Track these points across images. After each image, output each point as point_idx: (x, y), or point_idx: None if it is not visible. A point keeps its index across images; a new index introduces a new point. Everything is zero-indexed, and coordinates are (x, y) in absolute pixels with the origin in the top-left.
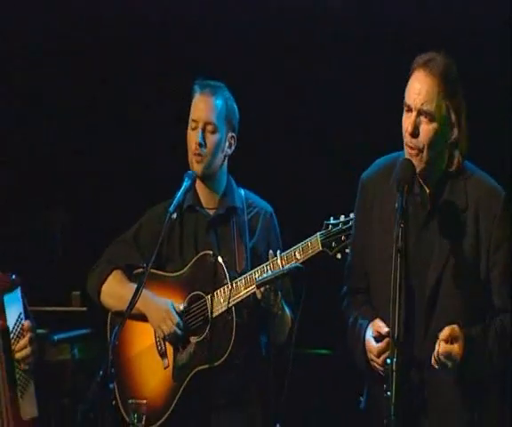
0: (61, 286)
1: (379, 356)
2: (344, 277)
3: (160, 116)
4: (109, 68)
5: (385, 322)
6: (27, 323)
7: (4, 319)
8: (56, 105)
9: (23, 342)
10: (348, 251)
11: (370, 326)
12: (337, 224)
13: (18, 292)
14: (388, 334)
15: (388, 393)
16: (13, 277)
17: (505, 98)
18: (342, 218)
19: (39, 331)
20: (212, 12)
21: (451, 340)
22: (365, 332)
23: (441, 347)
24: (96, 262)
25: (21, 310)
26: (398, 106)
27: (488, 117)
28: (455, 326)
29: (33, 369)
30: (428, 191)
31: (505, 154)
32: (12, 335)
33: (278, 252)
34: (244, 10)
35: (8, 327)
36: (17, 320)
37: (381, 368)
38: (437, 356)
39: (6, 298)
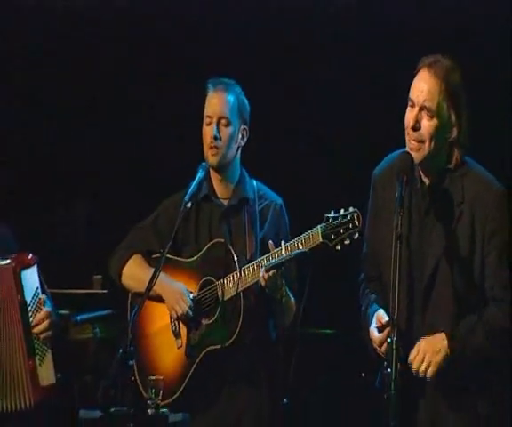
0: (84, 270)
1: (380, 346)
2: (360, 265)
3: (170, 104)
4: (110, 68)
5: (389, 310)
6: (43, 297)
7: (22, 294)
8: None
9: (40, 315)
10: (346, 243)
11: (374, 316)
12: (336, 218)
13: (35, 269)
14: (388, 324)
15: (389, 370)
16: (30, 255)
17: (505, 98)
18: (342, 212)
19: (63, 312)
20: (212, 12)
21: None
22: (371, 321)
23: (414, 365)
24: (117, 247)
25: (38, 285)
26: (399, 105)
27: (488, 117)
28: (422, 340)
29: (50, 340)
30: (427, 184)
31: (505, 154)
32: (29, 309)
33: (282, 242)
34: (243, 10)
35: (26, 301)
36: (34, 295)
37: (385, 356)
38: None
39: (23, 274)
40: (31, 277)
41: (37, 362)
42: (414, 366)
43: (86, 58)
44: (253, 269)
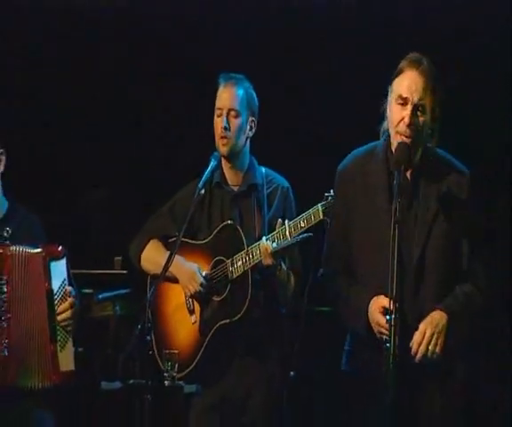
0: (105, 252)
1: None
2: (323, 261)
3: (185, 92)
4: (109, 68)
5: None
6: (69, 288)
7: (49, 283)
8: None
9: (65, 304)
10: None
11: (372, 301)
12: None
13: (63, 261)
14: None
15: (388, 345)
16: (60, 247)
17: (505, 98)
18: None
19: (87, 290)
20: (212, 11)
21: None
22: (367, 306)
23: (419, 353)
24: (137, 233)
25: (65, 276)
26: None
27: (488, 117)
28: (423, 325)
29: (73, 329)
30: (410, 171)
31: (505, 153)
32: (55, 297)
33: (286, 221)
34: (243, 9)
35: (52, 290)
36: (61, 285)
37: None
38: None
39: (52, 265)
40: (59, 268)
41: (58, 348)
42: (422, 349)
43: (86, 58)
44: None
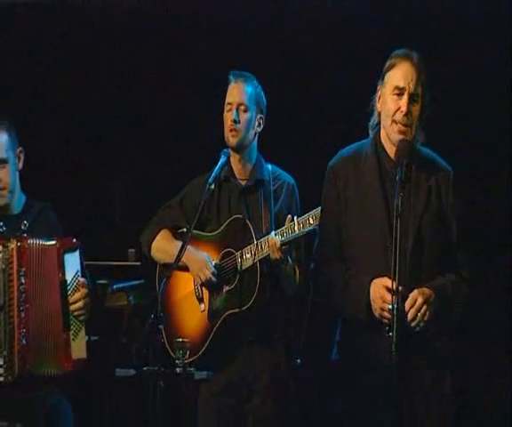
0: (120, 244)
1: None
2: (315, 254)
3: (197, 90)
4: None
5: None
6: (82, 280)
7: (63, 273)
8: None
9: (78, 294)
10: None
11: (374, 282)
12: None
13: (77, 253)
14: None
15: (390, 333)
16: (74, 240)
17: (505, 98)
18: None
19: (102, 281)
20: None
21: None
22: (368, 289)
23: (410, 313)
24: (149, 223)
25: (79, 268)
26: None
27: (488, 117)
28: (417, 291)
29: (85, 319)
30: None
31: (505, 154)
32: (68, 287)
33: (295, 217)
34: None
35: (66, 280)
36: (74, 276)
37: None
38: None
39: (66, 257)
40: (73, 260)
41: (71, 336)
42: (412, 312)
43: (87, 58)
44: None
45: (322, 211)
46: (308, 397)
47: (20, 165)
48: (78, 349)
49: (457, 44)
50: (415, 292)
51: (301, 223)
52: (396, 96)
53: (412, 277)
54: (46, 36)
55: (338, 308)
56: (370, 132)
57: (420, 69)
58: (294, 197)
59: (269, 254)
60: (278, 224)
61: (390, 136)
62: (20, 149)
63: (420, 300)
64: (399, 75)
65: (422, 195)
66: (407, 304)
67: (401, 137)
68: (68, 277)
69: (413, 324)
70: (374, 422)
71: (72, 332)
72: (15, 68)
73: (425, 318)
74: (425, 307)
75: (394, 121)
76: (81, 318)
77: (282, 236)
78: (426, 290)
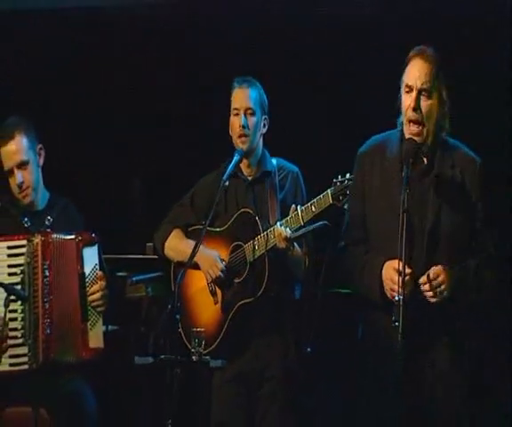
0: (139, 238)
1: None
2: (343, 233)
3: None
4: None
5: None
6: (100, 273)
7: (82, 266)
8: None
9: (96, 286)
10: None
11: (386, 264)
12: (343, 181)
13: (95, 247)
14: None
15: (397, 324)
16: (93, 234)
17: (504, 98)
18: (347, 176)
19: (121, 273)
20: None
21: (433, 277)
22: (381, 269)
23: (426, 286)
24: (161, 223)
25: (97, 261)
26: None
27: (488, 117)
28: (435, 268)
29: (103, 310)
30: (423, 157)
31: (505, 153)
32: (87, 280)
33: (298, 206)
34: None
35: (84, 273)
36: (92, 269)
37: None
38: (428, 292)
39: (85, 250)
40: (91, 254)
41: (89, 326)
42: (427, 288)
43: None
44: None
45: (350, 194)
46: (317, 384)
47: (41, 162)
48: (95, 338)
49: (457, 45)
50: (436, 269)
51: (304, 211)
52: (407, 94)
53: (430, 260)
54: (71, 39)
55: (356, 288)
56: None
57: (433, 64)
58: (299, 184)
59: (276, 244)
60: (284, 212)
61: (405, 134)
62: (40, 146)
63: (440, 278)
64: (409, 72)
65: (444, 183)
66: (422, 278)
67: (409, 136)
68: (87, 269)
69: (428, 296)
70: (384, 405)
71: (90, 322)
72: (38, 70)
73: (438, 298)
74: (441, 288)
75: (407, 120)
76: (98, 309)
77: (287, 226)
78: (448, 271)
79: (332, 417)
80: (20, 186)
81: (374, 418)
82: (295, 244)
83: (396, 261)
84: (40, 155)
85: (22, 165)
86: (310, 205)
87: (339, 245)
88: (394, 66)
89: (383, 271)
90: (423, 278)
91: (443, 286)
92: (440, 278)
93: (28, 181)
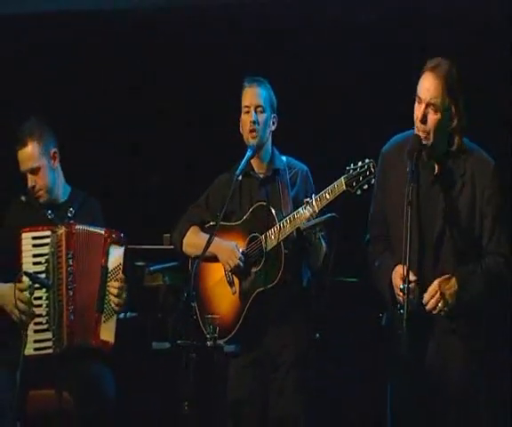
0: (156, 230)
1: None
2: (368, 227)
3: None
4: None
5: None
6: (122, 276)
7: (106, 261)
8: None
9: (116, 283)
10: (365, 188)
11: (395, 268)
12: (356, 168)
13: (122, 249)
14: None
15: (401, 311)
16: (122, 235)
17: (505, 98)
18: (360, 163)
19: (140, 263)
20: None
21: (439, 292)
22: (392, 272)
23: (429, 304)
24: (178, 222)
25: (121, 262)
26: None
27: (488, 117)
28: (437, 282)
29: (118, 310)
30: (434, 163)
31: (505, 153)
32: (108, 275)
33: (313, 195)
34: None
35: (108, 268)
36: (116, 267)
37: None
38: (432, 308)
39: (112, 248)
40: (118, 253)
41: (103, 319)
42: (431, 303)
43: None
44: (290, 221)
45: (373, 191)
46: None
47: (56, 164)
48: (107, 332)
49: (457, 44)
50: (435, 282)
51: (319, 198)
52: (418, 104)
53: (438, 260)
54: (71, 40)
55: (374, 284)
56: None
57: (444, 80)
58: (309, 182)
59: (293, 232)
60: (296, 207)
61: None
62: (55, 150)
63: (438, 291)
64: (421, 84)
65: (457, 180)
66: (428, 293)
67: (416, 133)
68: (110, 266)
69: (434, 312)
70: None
71: (104, 315)
72: (38, 70)
73: (445, 309)
74: (444, 297)
75: (416, 129)
76: (114, 307)
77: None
78: (452, 280)
79: (340, 399)
80: (32, 188)
81: (398, 399)
82: (317, 230)
83: (404, 267)
84: (55, 158)
85: (33, 171)
86: (324, 193)
87: (365, 238)
88: (394, 66)
89: (393, 276)
90: (425, 297)
91: (440, 304)
92: (437, 295)
93: (40, 184)
